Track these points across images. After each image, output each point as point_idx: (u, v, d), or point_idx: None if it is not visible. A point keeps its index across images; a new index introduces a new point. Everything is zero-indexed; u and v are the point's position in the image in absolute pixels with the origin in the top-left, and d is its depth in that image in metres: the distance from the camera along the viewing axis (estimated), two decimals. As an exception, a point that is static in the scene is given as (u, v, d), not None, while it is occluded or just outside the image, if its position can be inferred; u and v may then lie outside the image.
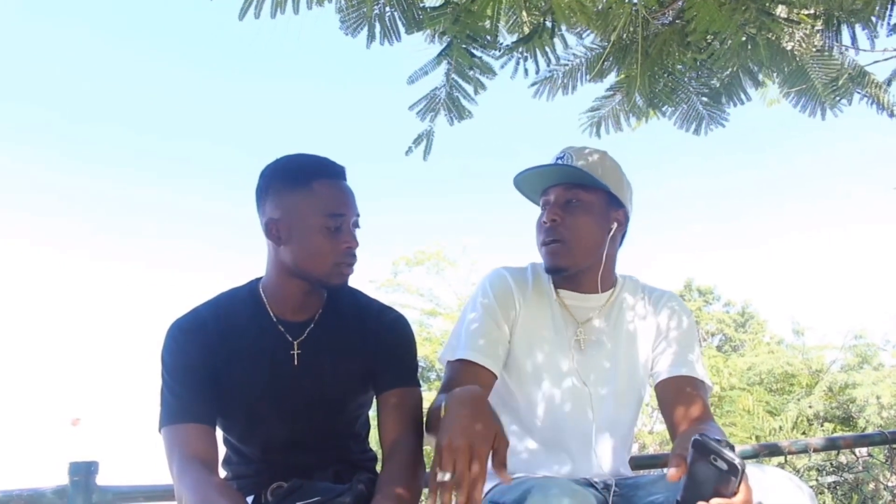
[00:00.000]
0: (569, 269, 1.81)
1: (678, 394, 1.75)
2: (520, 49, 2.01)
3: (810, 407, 17.84)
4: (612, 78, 3.13)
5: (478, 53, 1.90)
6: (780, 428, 17.65)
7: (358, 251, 1.65)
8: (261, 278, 1.72)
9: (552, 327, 1.83)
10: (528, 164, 1.82)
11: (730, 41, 2.08)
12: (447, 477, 1.21)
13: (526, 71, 2.12)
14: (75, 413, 16.00)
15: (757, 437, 17.23)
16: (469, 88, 2.00)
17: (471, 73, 1.96)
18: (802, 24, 2.36)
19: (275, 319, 1.66)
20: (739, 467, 1.17)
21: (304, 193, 1.59)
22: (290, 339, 1.65)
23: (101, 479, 2.03)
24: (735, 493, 1.17)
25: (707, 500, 1.17)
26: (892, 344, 18.25)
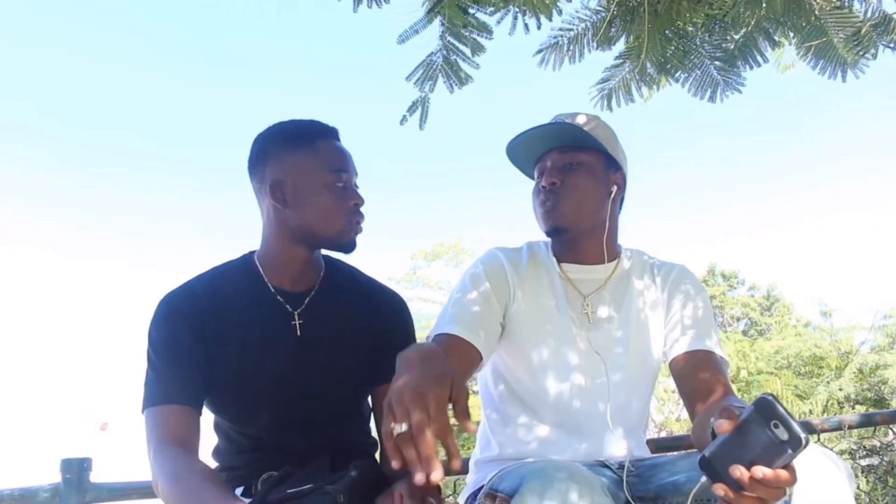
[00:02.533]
0: (570, 230, 1.70)
1: (697, 369, 1.63)
2: (517, 3, 1.87)
3: (840, 389, 17.57)
4: (620, 46, 3.01)
5: (472, 10, 1.77)
6: (811, 412, 17.38)
7: (364, 210, 1.60)
8: (255, 251, 1.65)
9: (556, 302, 1.72)
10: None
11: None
12: (403, 427, 1.01)
13: (526, 27, 1.98)
14: (103, 417, 16.10)
15: (787, 422, 16.98)
16: (466, 50, 1.88)
17: (466, 32, 1.84)
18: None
19: (273, 290, 1.59)
20: (803, 441, 1.00)
21: (309, 152, 1.55)
22: (290, 308, 1.58)
23: (95, 476, 1.94)
24: (784, 468, 1.02)
25: (746, 465, 1.02)
26: (924, 322, 17.94)
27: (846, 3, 2.72)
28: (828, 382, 17.98)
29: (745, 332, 23.05)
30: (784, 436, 1.00)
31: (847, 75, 3.11)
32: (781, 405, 1.02)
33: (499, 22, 1.95)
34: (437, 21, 1.86)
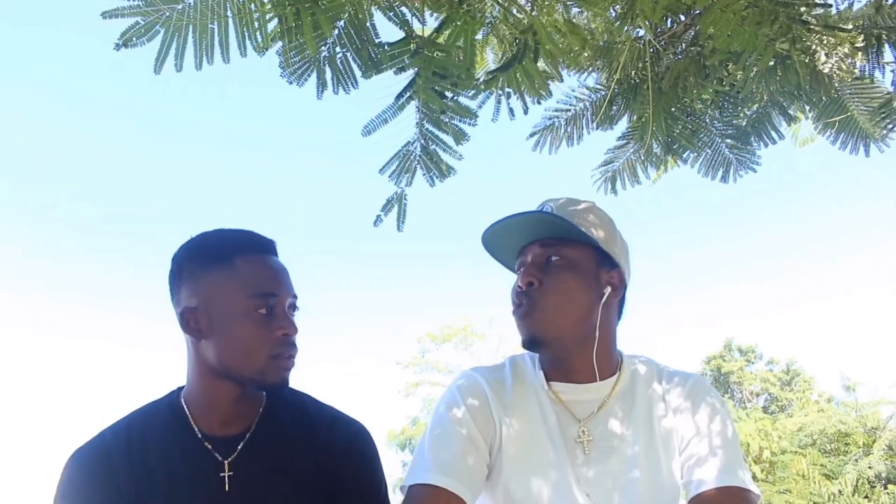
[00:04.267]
0: (549, 342, 1.42)
1: None
2: (500, 84, 1.64)
3: (870, 468, 16.83)
4: (623, 125, 2.79)
5: (449, 94, 1.54)
6: (840, 492, 16.62)
7: (299, 340, 1.34)
8: (182, 388, 1.40)
9: (546, 430, 1.42)
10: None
11: (757, 63, 1.71)
12: None
13: (511, 112, 1.75)
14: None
15: (815, 504, 16.29)
16: (448, 139, 1.64)
17: (446, 119, 1.60)
18: (841, 42, 1.98)
19: (200, 435, 1.33)
20: None
21: (225, 273, 1.30)
22: (220, 458, 1.32)
23: None
24: None
25: None
26: (952, 395, 17.33)
27: (867, 74, 2.50)
28: (856, 461, 17.26)
29: (765, 409, 22.35)
30: None
31: (870, 149, 2.90)
32: None
33: (480, 106, 1.72)
34: (412, 107, 1.63)
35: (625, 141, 2.77)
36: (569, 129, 2.47)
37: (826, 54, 2.08)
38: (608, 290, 1.45)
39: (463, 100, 1.60)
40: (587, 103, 2.44)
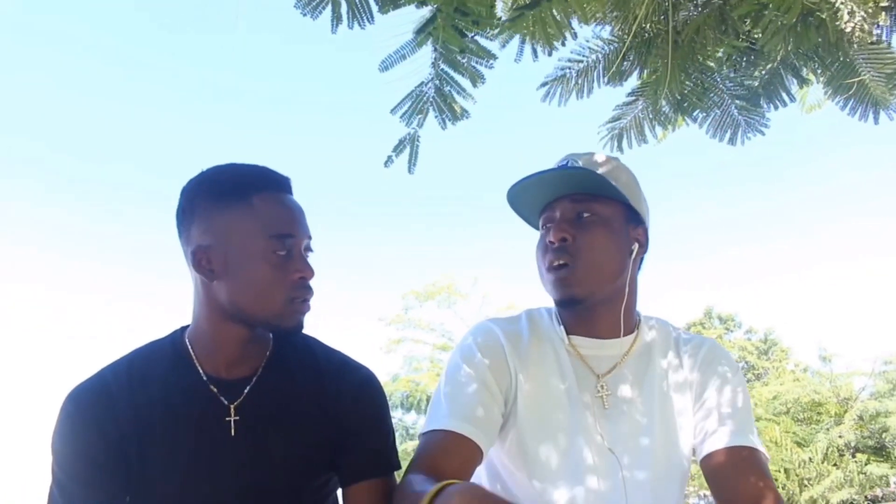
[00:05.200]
0: (585, 299, 1.39)
1: (740, 471, 1.33)
2: (520, 29, 1.57)
3: (840, 437, 17.17)
4: (633, 81, 2.74)
5: (470, 33, 1.47)
6: (811, 459, 16.98)
7: (314, 283, 1.28)
8: (187, 327, 1.34)
9: (566, 385, 1.41)
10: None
11: (784, 17, 1.65)
12: None
13: (535, 53, 1.68)
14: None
15: (786, 470, 16.63)
16: (463, 80, 1.58)
17: (463, 59, 1.54)
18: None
19: (205, 378, 1.28)
20: None
21: (242, 211, 1.23)
22: (226, 402, 1.27)
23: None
24: None
25: None
26: (924, 369, 17.64)
27: (885, 39, 2.45)
28: (827, 430, 17.62)
29: (742, 376, 22.68)
30: None
31: (879, 117, 2.86)
32: None
33: (503, 46, 1.66)
34: (428, 46, 1.57)
35: (634, 97, 2.71)
36: (580, 82, 2.41)
37: (849, 12, 2.03)
38: (636, 246, 1.45)
39: (481, 40, 1.54)
40: (600, 55, 2.38)
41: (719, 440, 1.37)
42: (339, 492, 1.44)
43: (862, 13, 2.04)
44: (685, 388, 1.46)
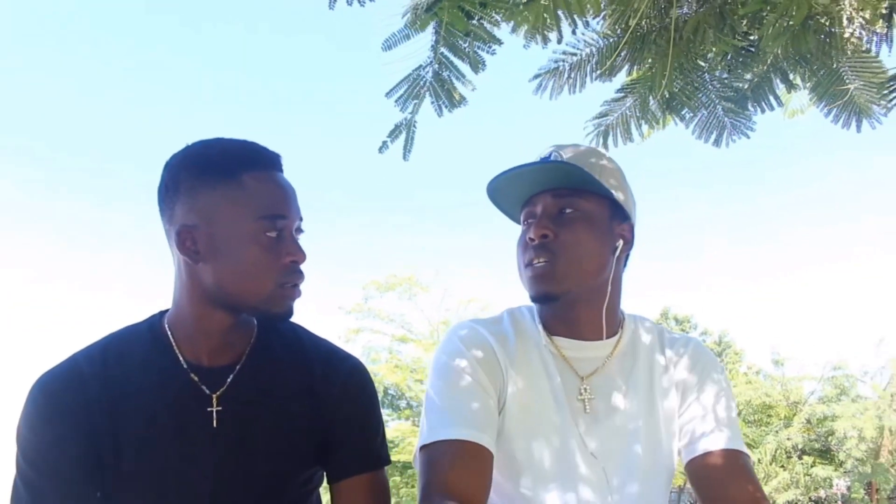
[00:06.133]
0: (561, 296, 1.34)
1: (732, 476, 1.31)
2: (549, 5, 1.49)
3: (789, 439, 17.59)
4: (621, 77, 2.70)
5: (476, 16, 1.41)
6: (759, 461, 17.36)
7: (305, 267, 1.21)
8: (165, 311, 1.26)
9: (550, 387, 1.36)
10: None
11: (791, 18, 1.62)
12: None
13: (546, 40, 1.62)
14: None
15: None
16: (463, 66, 1.52)
17: (464, 44, 1.47)
18: (864, 6, 1.92)
19: (185, 365, 1.21)
20: None
21: (231, 190, 1.16)
22: (207, 391, 1.20)
23: None
24: None
25: None
26: (871, 375, 18.14)
27: (876, 50, 2.45)
28: (777, 432, 18.03)
29: (695, 377, 23.07)
30: None
31: (862, 125, 2.87)
32: None
33: (513, 32, 1.59)
34: (430, 28, 1.50)
35: (623, 94, 2.68)
36: (572, 76, 2.36)
37: (848, 18, 2.02)
38: (620, 243, 1.40)
39: (486, 24, 1.48)
40: (594, 49, 2.34)
41: (710, 443, 1.34)
42: (323, 488, 1.39)
43: (861, 19, 2.03)
44: (672, 390, 1.43)
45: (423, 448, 1.27)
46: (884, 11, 2.03)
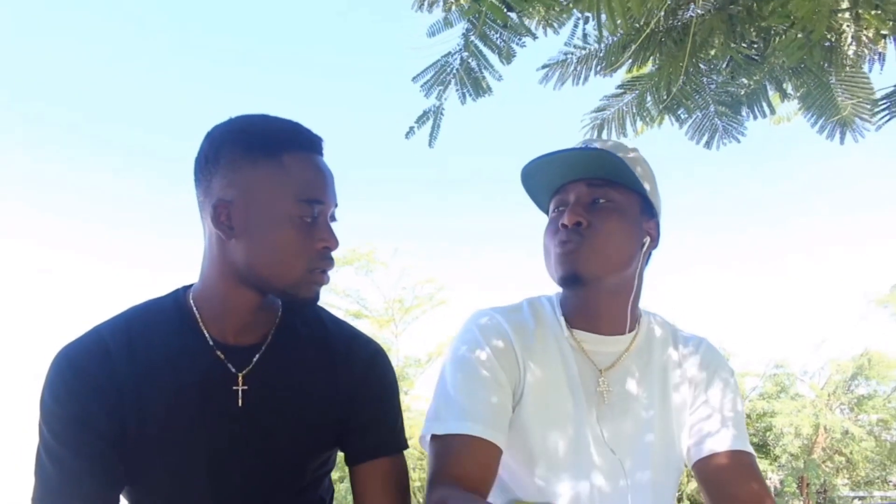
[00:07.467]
0: (591, 281, 1.35)
1: (740, 476, 1.34)
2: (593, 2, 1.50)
3: (729, 433, 18.07)
4: (621, 74, 2.74)
5: (516, 9, 1.42)
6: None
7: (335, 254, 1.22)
8: (191, 286, 1.25)
9: (567, 379, 1.38)
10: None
11: (812, 31, 1.67)
12: None
13: (585, 36, 1.65)
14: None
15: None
16: (493, 57, 1.53)
17: (495, 36, 1.49)
18: (869, 25, 1.98)
19: (211, 342, 1.19)
20: None
21: (272, 169, 1.15)
22: (233, 369, 1.19)
23: None
24: None
25: None
26: (810, 375, 18.72)
27: (868, 67, 2.54)
28: (717, 425, 18.45)
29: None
30: None
31: (846, 138, 2.97)
32: None
33: (561, 26, 1.61)
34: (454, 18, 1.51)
35: (622, 90, 2.73)
36: (578, 68, 2.40)
37: (853, 36, 2.08)
38: (647, 240, 1.41)
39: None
40: (602, 45, 2.37)
41: (720, 443, 1.38)
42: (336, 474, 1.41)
43: (865, 37, 2.10)
44: (684, 387, 1.46)
45: (434, 438, 1.29)
46: (885, 32, 2.09)
